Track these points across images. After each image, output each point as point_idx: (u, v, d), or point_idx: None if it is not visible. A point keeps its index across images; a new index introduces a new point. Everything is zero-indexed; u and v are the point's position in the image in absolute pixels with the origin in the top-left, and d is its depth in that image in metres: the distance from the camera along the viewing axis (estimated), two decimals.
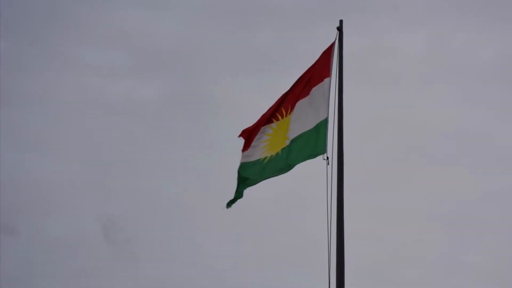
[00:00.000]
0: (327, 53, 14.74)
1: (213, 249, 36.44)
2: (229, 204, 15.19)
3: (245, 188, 15.26)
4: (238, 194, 15.23)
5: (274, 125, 15.36)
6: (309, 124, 14.53)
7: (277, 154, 14.89)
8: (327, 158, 13.79)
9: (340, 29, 14.60)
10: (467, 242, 37.02)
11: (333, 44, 14.66)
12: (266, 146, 15.22)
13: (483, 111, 42.10)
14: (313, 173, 14.72)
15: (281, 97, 15.52)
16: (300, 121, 14.87)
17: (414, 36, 44.07)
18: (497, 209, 37.12)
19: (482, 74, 42.87)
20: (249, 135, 15.66)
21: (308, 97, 14.97)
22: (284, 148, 14.84)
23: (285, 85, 15.64)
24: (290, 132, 14.95)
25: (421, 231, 36.64)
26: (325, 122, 14.13)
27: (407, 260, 35.38)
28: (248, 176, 15.28)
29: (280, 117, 15.24)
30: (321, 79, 14.67)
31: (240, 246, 36.92)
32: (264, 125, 15.49)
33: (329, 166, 13.78)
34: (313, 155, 14.24)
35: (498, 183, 37.81)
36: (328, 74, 14.56)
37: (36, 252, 37.45)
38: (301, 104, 15.07)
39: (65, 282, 36.96)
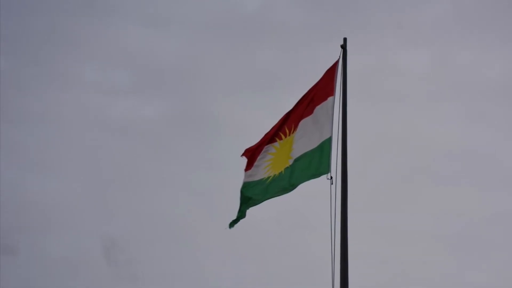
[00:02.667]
0: (331, 71, 14.62)
1: (216, 270, 36.20)
2: (232, 224, 15.04)
3: (248, 208, 15.12)
4: (241, 214, 15.09)
5: (277, 144, 15.23)
6: (313, 143, 14.39)
7: (280, 173, 14.75)
8: (331, 177, 13.63)
9: (344, 47, 14.48)
10: (472, 262, 36.71)
11: (337, 62, 14.53)
12: (269, 166, 15.08)
13: (488, 130, 41.88)
14: (317, 192, 14.54)
15: (284, 116, 15.39)
16: (303, 140, 14.74)
17: (418, 54, 43.93)
18: (503, 229, 36.84)
19: (487, 93, 42.68)
20: (252, 154, 15.53)
21: (311, 115, 14.83)
22: (287, 167, 14.69)
23: (289, 104, 15.50)
24: (293, 151, 14.81)
25: (426, 252, 36.33)
26: (329, 141, 13.98)
27: (412, 281, 35.09)
28: (251, 195, 15.15)
29: (283, 136, 15.11)
30: (325, 98, 14.54)
31: (243, 266, 36.69)
32: (267, 144, 15.36)
33: (333, 186, 13.63)
34: (316, 175, 14.09)
35: (504, 203, 37.55)
36: (332, 92, 14.42)
37: (37, 272, 37.22)
38: (304, 122, 14.93)
39: None
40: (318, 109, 14.71)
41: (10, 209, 37.90)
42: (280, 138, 15.26)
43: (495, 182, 39.79)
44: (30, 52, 44.57)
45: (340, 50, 14.52)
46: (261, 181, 15.19)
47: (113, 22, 45.00)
